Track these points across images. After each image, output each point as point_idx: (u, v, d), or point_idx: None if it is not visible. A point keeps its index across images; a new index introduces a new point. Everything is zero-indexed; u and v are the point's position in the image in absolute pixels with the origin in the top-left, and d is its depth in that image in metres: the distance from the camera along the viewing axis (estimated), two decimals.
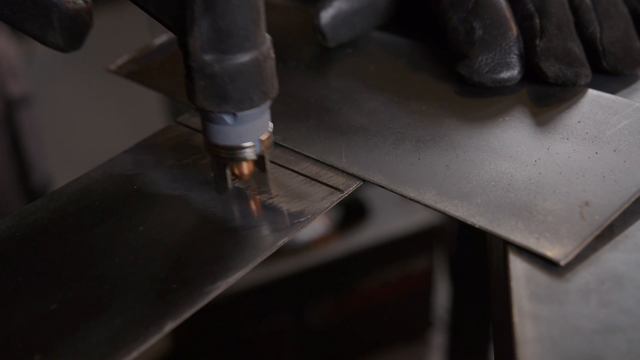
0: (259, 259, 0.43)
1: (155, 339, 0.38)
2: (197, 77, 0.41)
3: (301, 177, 0.48)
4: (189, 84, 0.42)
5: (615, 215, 0.42)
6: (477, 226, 0.43)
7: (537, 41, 0.51)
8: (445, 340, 1.25)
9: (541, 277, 0.40)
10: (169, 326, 0.39)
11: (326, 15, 0.57)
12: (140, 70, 0.60)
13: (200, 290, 0.40)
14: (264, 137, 0.45)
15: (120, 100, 1.94)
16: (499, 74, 0.52)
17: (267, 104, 0.44)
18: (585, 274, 0.40)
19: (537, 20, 0.52)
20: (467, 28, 0.53)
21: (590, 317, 0.38)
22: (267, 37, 0.42)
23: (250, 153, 0.44)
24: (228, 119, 0.43)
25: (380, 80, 0.55)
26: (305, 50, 0.60)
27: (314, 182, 0.48)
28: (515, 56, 0.52)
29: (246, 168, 0.46)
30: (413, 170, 0.47)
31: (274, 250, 0.43)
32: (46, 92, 1.88)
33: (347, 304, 1.28)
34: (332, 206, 0.46)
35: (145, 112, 1.73)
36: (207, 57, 0.41)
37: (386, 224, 1.24)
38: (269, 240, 0.44)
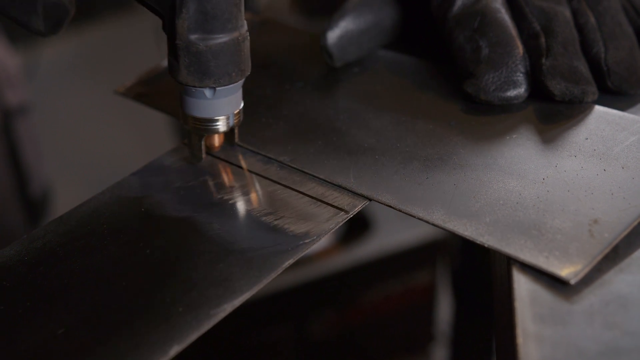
0: (265, 281, 0.43)
1: None
2: (183, 55, 0.46)
3: (307, 198, 0.48)
4: (173, 62, 0.47)
5: (625, 233, 0.42)
6: (486, 245, 0.43)
7: (543, 60, 0.51)
8: (447, 354, 1.24)
9: (545, 297, 0.40)
10: (175, 350, 0.39)
11: (333, 36, 0.58)
12: (148, 93, 0.60)
13: (206, 313, 0.41)
14: (236, 111, 0.50)
15: (125, 114, 1.95)
16: (506, 92, 0.52)
17: (242, 81, 0.49)
18: (589, 296, 0.40)
19: (542, 39, 0.52)
20: (473, 47, 0.53)
21: (595, 339, 0.38)
22: (244, 21, 0.47)
23: (224, 125, 0.50)
24: (208, 93, 0.48)
25: (387, 99, 0.55)
26: (311, 70, 0.60)
27: (319, 203, 0.48)
28: (521, 74, 0.52)
29: (217, 140, 0.51)
30: (421, 189, 0.47)
31: (279, 272, 0.44)
32: (52, 104, 1.89)
33: (349, 316, 1.27)
34: (337, 227, 0.46)
35: (153, 128, 1.74)
36: (193, 37, 0.46)
37: (389, 237, 1.23)
38: (274, 261, 0.44)
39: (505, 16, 0.53)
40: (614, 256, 0.42)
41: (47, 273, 0.44)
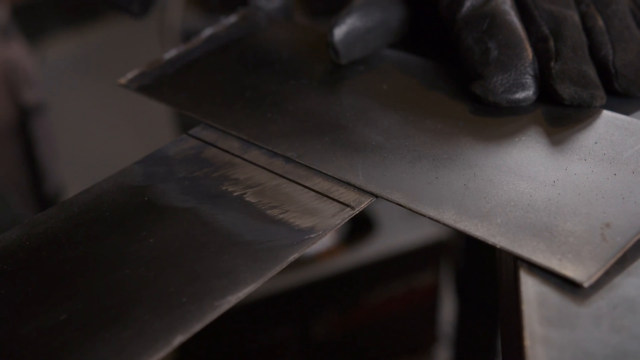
0: (269, 274, 0.42)
1: (164, 353, 0.38)
2: None
3: (312, 193, 0.48)
4: None
5: (637, 237, 0.42)
6: (498, 246, 0.42)
7: (552, 64, 0.51)
8: (450, 355, 1.24)
9: (553, 300, 0.40)
10: (178, 340, 0.38)
11: (340, 32, 0.57)
12: (151, 85, 0.60)
13: (210, 304, 0.40)
14: None
15: (130, 112, 1.95)
16: (514, 94, 0.52)
17: None
18: (597, 299, 0.40)
19: (551, 43, 0.52)
20: (482, 48, 0.53)
21: (603, 342, 0.37)
22: None
23: None
24: None
25: (394, 98, 0.55)
26: (317, 67, 0.60)
27: (325, 198, 0.47)
28: (530, 77, 0.52)
29: None
30: (431, 189, 0.47)
31: (284, 266, 0.43)
32: (57, 102, 1.89)
33: (352, 317, 1.27)
34: (343, 223, 0.46)
35: (155, 124, 1.74)
36: None
37: (392, 238, 1.23)
38: (279, 255, 0.43)
39: (514, 18, 0.53)
40: (622, 259, 0.41)
41: (49, 259, 0.43)
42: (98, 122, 2.00)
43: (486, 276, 0.98)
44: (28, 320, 0.39)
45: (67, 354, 0.37)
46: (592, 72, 0.52)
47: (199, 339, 0.39)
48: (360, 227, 1.24)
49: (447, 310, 1.33)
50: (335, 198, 0.47)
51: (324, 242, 1.16)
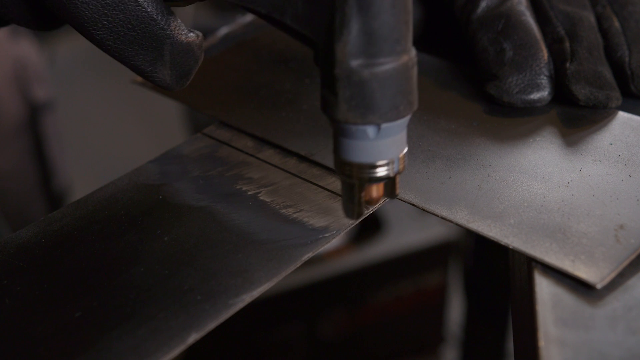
0: (284, 273, 0.42)
1: (178, 350, 0.38)
2: (342, 87, 0.38)
3: (326, 192, 0.48)
4: (329, 96, 0.39)
5: None
6: (511, 247, 0.42)
7: (568, 64, 0.51)
8: (457, 356, 1.24)
9: (567, 301, 0.40)
10: (193, 338, 0.38)
11: None
12: None
13: (224, 302, 0.40)
14: (401, 154, 0.41)
15: (142, 110, 1.96)
16: (529, 95, 0.52)
17: (409, 116, 0.40)
18: (612, 300, 0.39)
19: (567, 44, 0.52)
20: (497, 49, 0.53)
21: (618, 344, 0.37)
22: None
23: (388, 172, 0.40)
24: (371, 131, 0.39)
25: None
26: None
27: (339, 197, 0.47)
28: (545, 77, 0.52)
29: (376, 191, 0.42)
30: (444, 189, 0.47)
31: (298, 265, 0.43)
32: (67, 99, 1.89)
33: (359, 316, 1.27)
34: (357, 222, 0.46)
35: (167, 122, 1.74)
36: (355, 63, 0.37)
37: (401, 237, 1.23)
38: (293, 254, 0.43)
39: (530, 19, 0.53)
40: (636, 261, 0.41)
41: (64, 256, 0.43)
42: (108, 120, 2.01)
43: (494, 277, 0.98)
44: (43, 317, 0.39)
45: (81, 351, 0.38)
46: (607, 73, 0.52)
47: (206, 336, 0.40)
48: (369, 226, 1.23)
49: (455, 311, 1.33)
50: None
51: (333, 241, 1.16)
